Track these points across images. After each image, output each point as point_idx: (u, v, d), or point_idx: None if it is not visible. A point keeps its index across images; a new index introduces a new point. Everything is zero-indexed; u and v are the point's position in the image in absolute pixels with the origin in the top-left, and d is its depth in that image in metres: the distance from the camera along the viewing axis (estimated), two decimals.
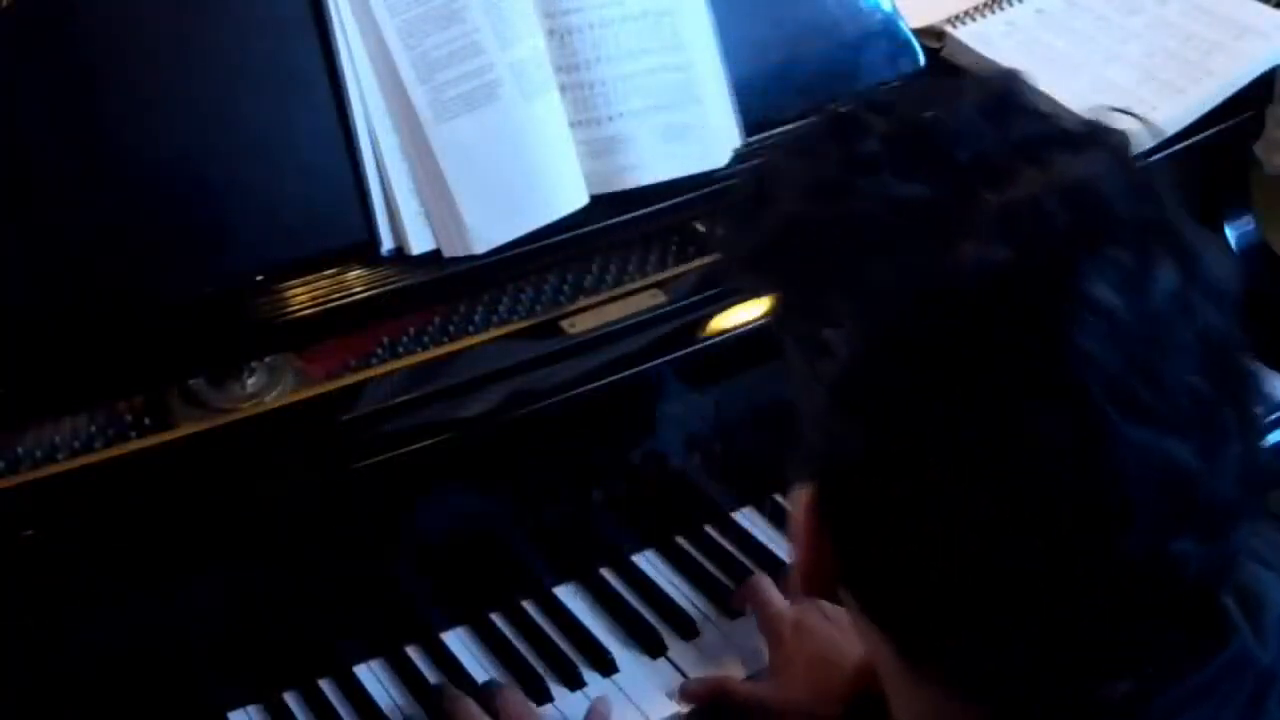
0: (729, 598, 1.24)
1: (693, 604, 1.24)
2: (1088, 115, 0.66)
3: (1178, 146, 1.39)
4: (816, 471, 0.66)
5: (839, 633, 1.14)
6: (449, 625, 1.22)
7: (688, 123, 1.27)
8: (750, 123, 1.31)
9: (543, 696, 1.16)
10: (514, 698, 1.14)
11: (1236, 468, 0.60)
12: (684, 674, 1.18)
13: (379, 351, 1.19)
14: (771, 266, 0.68)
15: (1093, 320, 0.56)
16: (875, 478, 0.62)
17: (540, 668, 1.18)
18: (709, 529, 1.32)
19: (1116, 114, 0.66)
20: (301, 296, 1.14)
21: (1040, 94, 0.65)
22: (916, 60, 1.42)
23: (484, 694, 1.14)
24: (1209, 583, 0.63)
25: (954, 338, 0.58)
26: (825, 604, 1.19)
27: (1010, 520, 0.59)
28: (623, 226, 1.26)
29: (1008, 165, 0.60)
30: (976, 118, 0.63)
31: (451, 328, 1.22)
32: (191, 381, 1.11)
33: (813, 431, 0.65)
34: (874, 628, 0.69)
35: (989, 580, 0.61)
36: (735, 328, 1.24)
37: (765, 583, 1.21)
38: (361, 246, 1.16)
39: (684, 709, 1.15)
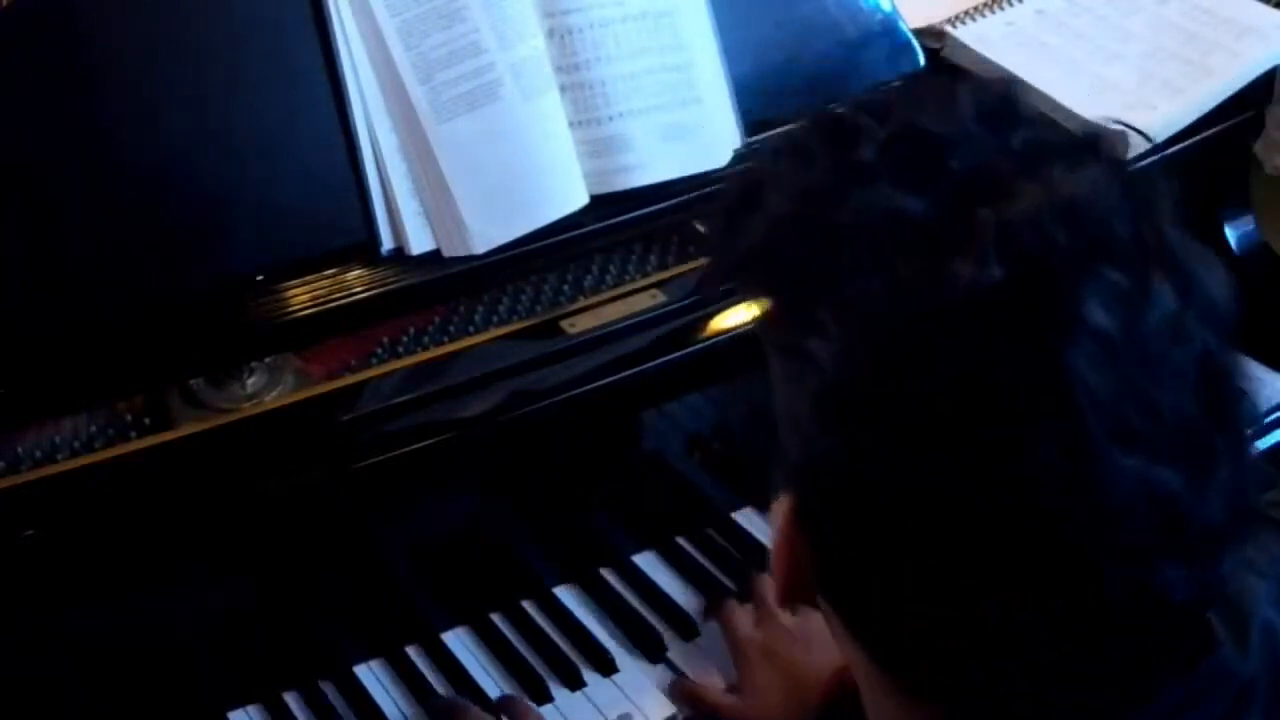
0: (731, 599, 1.23)
1: (693, 604, 1.25)
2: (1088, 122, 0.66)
3: (1178, 146, 1.39)
4: (796, 481, 0.65)
5: (804, 654, 1.14)
6: (449, 625, 1.22)
7: (688, 123, 1.27)
8: (750, 123, 1.31)
9: (543, 697, 1.16)
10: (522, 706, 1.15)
11: (1226, 493, 0.59)
12: (684, 674, 1.18)
13: (379, 351, 1.19)
14: (759, 270, 0.67)
15: (1087, 343, 0.55)
16: (854, 491, 0.61)
17: (540, 668, 1.18)
18: (709, 529, 1.32)
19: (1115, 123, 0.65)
20: (301, 296, 1.14)
21: (1040, 98, 0.65)
22: (916, 60, 1.42)
23: (495, 704, 1.15)
24: (1196, 607, 0.62)
25: (945, 356, 0.57)
26: (789, 621, 1.19)
27: (992, 541, 0.58)
28: (623, 226, 1.26)
29: (1006, 179, 0.59)
30: (975, 125, 0.62)
31: (451, 328, 1.22)
32: (191, 381, 1.11)
33: (792, 440, 0.64)
34: (849, 635, 0.68)
35: (966, 600, 0.60)
36: (735, 328, 1.24)
37: (733, 605, 1.21)
38: (361, 246, 1.16)
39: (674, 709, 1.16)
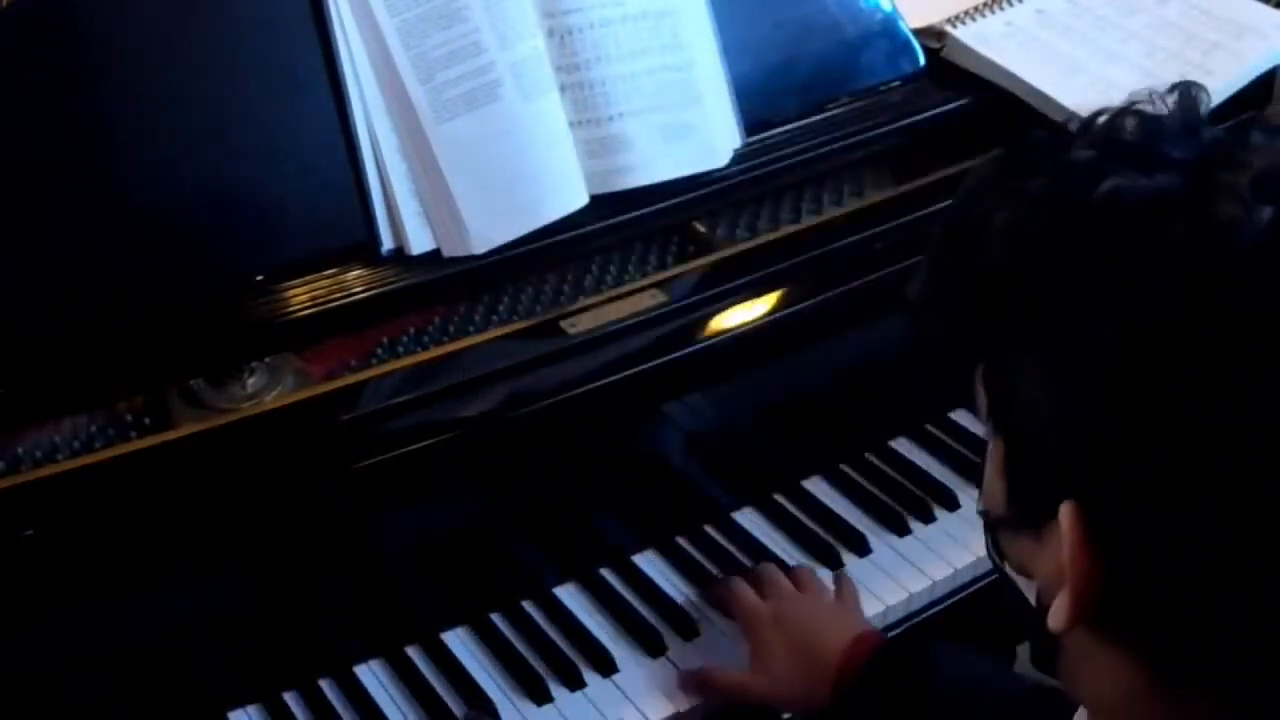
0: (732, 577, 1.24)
1: (693, 604, 1.25)
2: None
3: None
4: (1083, 485, 0.63)
5: (813, 622, 1.16)
6: (449, 625, 1.22)
7: (688, 123, 1.27)
8: (750, 123, 1.31)
9: (543, 697, 1.16)
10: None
11: None
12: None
13: (379, 351, 1.19)
14: (1002, 285, 0.65)
15: None
16: (1156, 476, 0.60)
17: (540, 668, 1.18)
18: (709, 529, 1.32)
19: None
20: (301, 296, 1.14)
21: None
22: (916, 60, 1.42)
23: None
24: None
25: (1245, 299, 0.57)
26: (808, 596, 1.20)
27: None
28: (623, 226, 1.26)
29: (1229, 155, 0.61)
30: (1170, 132, 0.65)
31: (451, 328, 1.22)
32: (191, 381, 1.11)
33: (1074, 440, 0.63)
34: (1127, 654, 0.66)
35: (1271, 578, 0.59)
36: (735, 328, 1.24)
37: (736, 581, 1.23)
38: (361, 246, 1.16)
39: (684, 706, 1.16)
